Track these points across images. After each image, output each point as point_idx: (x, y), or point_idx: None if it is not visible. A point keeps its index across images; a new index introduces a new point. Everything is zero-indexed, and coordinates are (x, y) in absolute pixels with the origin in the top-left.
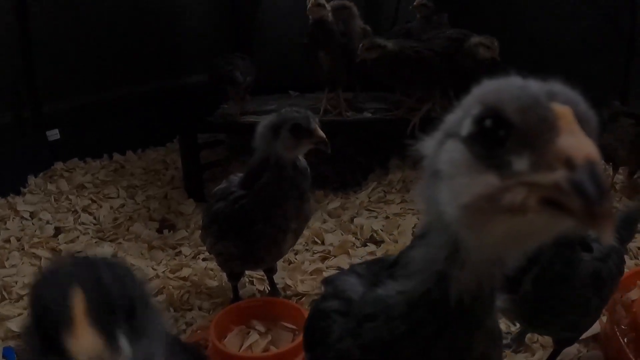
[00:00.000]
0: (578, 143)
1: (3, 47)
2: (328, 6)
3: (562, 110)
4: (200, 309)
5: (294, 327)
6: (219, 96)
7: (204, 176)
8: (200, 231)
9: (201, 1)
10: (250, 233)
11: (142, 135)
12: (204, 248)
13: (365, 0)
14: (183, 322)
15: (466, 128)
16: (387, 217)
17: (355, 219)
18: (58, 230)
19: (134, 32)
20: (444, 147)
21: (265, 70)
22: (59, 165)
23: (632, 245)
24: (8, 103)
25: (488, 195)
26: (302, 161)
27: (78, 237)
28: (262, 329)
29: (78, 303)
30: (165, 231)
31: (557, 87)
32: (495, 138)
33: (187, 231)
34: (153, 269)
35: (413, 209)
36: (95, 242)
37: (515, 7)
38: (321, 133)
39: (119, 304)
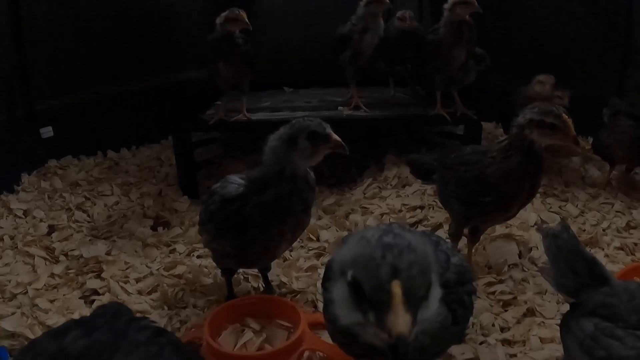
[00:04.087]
0: (396, 322)
1: None
2: (243, 19)
3: (396, 291)
4: (194, 306)
5: (288, 324)
6: (213, 92)
7: (199, 173)
8: (194, 228)
9: None
10: (244, 236)
11: (136, 132)
12: (199, 245)
13: None
14: (177, 320)
15: (348, 277)
16: (382, 214)
17: (350, 216)
18: (52, 228)
19: (127, 29)
20: (340, 280)
21: (259, 66)
22: (52, 162)
23: (628, 241)
24: (1, 101)
25: (356, 324)
26: (311, 173)
27: (72, 235)
28: (256, 326)
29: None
30: (160, 228)
31: (402, 261)
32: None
33: (181, 228)
34: (147, 266)
35: (408, 205)
36: (89, 240)
37: (513, 5)
38: (336, 137)
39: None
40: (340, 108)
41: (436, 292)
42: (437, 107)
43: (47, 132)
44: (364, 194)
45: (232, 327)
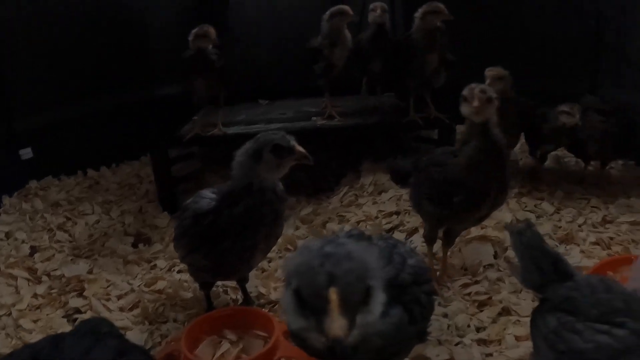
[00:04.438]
0: (332, 326)
1: None
2: (213, 34)
3: (332, 297)
4: (175, 320)
5: (265, 334)
6: (190, 108)
7: (178, 189)
8: (170, 245)
9: (169, 15)
10: (218, 249)
11: (115, 150)
12: (179, 260)
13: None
14: (158, 335)
15: (292, 286)
16: (358, 221)
17: (327, 224)
18: (34, 249)
19: (103, 47)
20: (287, 288)
21: (234, 80)
22: (33, 184)
23: (604, 235)
24: None
25: (302, 329)
26: (280, 185)
27: (54, 255)
28: (233, 337)
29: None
30: (141, 245)
31: (339, 269)
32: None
33: (161, 244)
34: (128, 283)
35: (384, 211)
36: (71, 260)
37: (483, 6)
38: (301, 148)
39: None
40: (314, 118)
41: (379, 296)
42: (410, 113)
43: (26, 153)
44: (341, 202)
45: (209, 338)
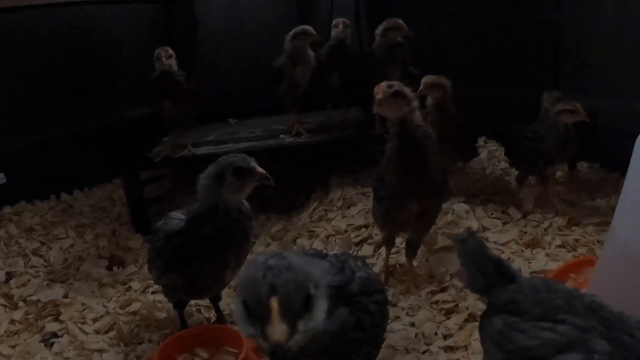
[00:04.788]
0: (273, 332)
1: None
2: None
3: (273, 305)
4: (150, 341)
5: (235, 351)
6: (160, 129)
7: (150, 210)
8: (144, 266)
9: (138, 38)
10: (191, 268)
11: (87, 173)
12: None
13: (300, 14)
14: (134, 356)
15: (241, 297)
16: (328, 236)
17: (297, 240)
18: (9, 275)
19: (71, 71)
20: (238, 300)
21: (203, 100)
22: (7, 209)
23: (569, 238)
24: None
25: (251, 336)
26: (246, 204)
27: (29, 280)
28: (205, 355)
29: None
30: (115, 267)
31: (280, 279)
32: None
33: (136, 266)
34: (104, 306)
35: (353, 225)
36: (47, 284)
37: (442, 11)
38: (261, 170)
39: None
40: (282, 136)
41: (322, 304)
42: (376, 127)
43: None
44: (311, 217)
45: (182, 357)
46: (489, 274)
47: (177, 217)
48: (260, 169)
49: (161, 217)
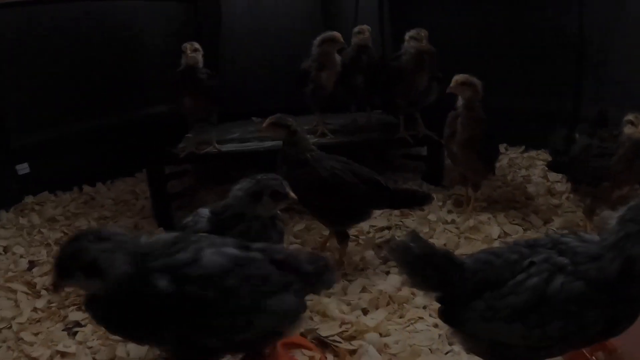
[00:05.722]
0: None
1: None
2: (201, 51)
3: None
4: None
5: None
6: (184, 125)
7: (173, 205)
8: None
9: (162, 32)
10: None
11: (110, 166)
12: None
13: (324, 13)
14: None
15: None
16: (350, 236)
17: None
18: (32, 264)
19: (99, 65)
20: None
21: (227, 98)
22: (29, 199)
23: None
24: None
25: None
26: (279, 214)
27: (52, 269)
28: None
29: None
30: None
31: None
32: None
33: None
34: None
35: (375, 226)
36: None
37: (467, 22)
38: (293, 195)
39: None
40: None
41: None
42: (400, 130)
43: (23, 168)
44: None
45: None
46: (441, 268)
47: (207, 216)
48: (292, 195)
49: (183, 212)
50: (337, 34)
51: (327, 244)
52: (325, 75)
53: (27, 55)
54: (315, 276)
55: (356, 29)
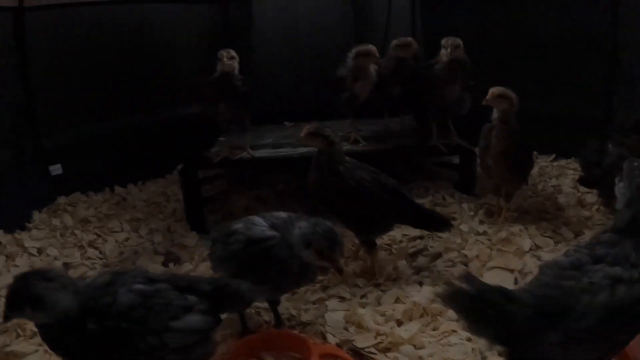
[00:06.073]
0: None
1: (4, 85)
2: (237, 59)
3: None
4: None
5: (299, 356)
6: (215, 127)
7: (205, 209)
8: (205, 264)
9: (194, 35)
10: (265, 276)
11: (141, 167)
12: None
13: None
14: None
15: None
16: (383, 244)
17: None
18: (66, 266)
19: (131, 66)
20: None
21: (259, 101)
22: (62, 199)
23: None
24: (10, 140)
25: None
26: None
27: (86, 272)
28: (270, 359)
29: None
30: (171, 265)
31: None
32: None
33: (191, 264)
34: None
35: (408, 235)
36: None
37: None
38: (340, 263)
39: None
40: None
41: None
42: (432, 139)
43: (56, 169)
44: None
45: None
46: (500, 305)
47: (260, 224)
48: (339, 263)
49: (215, 216)
50: (372, 48)
51: (360, 253)
52: (360, 85)
53: (59, 57)
54: (216, 294)
55: (399, 41)
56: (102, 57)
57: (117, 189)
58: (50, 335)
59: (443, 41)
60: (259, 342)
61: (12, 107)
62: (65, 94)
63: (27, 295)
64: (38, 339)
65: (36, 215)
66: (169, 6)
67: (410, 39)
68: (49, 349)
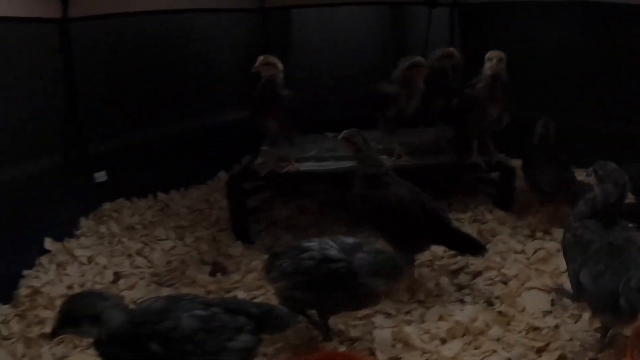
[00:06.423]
0: None
1: (50, 93)
2: (280, 65)
3: None
4: (264, 355)
5: None
6: (255, 134)
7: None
8: (252, 275)
9: (235, 43)
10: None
11: (183, 174)
12: (259, 292)
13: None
14: None
15: None
16: (424, 261)
17: None
18: (117, 276)
19: (173, 74)
20: None
21: (302, 117)
22: (107, 205)
23: None
24: (57, 147)
25: None
26: None
27: (136, 282)
28: None
29: None
30: (218, 275)
31: None
32: None
33: (238, 274)
34: None
35: (449, 252)
36: (154, 289)
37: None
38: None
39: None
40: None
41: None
42: (473, 155)
43: (101, 176)
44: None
45: None
46: None
47: (333, 246)
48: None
49: (258, 226)
50: (422, 59)
51: None
52: (410, 98)
53: (104, 66)
54: (262, 317)
55: (444, 52)
56: (144, 66)
57: (160, 195)
58: (107, 351)
59: (488, 54)
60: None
61: (59, 116)
62: (109, 102)
63: (86, 311)
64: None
65: (83, 222)
66: (210, 15)
67: (453, 49)
68: None
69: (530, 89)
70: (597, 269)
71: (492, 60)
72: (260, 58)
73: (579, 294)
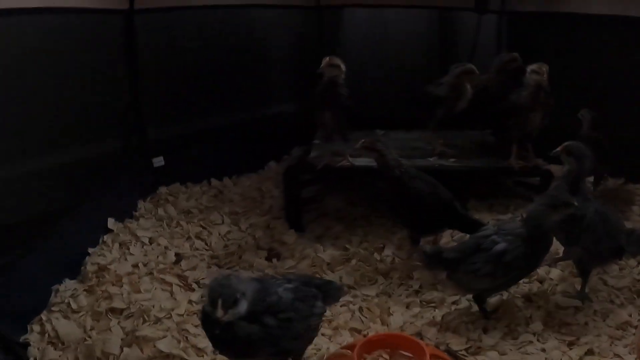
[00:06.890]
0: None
1: (115, 82)
2: (343, 67)
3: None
4: (323, 335)
5: (410, 355)
6: (307, 126)
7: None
8: (305, 261)
9: (290, 38)
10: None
11: (236, 162)
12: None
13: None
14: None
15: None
16: None
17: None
18: (179, 257)
19: (229, 65)
20: None
21: (355, 114)
22: (163, 189)
23: None
24: (118, 133)
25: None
26: None
27: (197, 264)
28: (386, 357)
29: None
30: (274, 260)
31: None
32: None
33: (293, 260)
34: None
35: None
36: (215, 270)
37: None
38: None
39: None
40: (431, 159)
41: (243, 304)
42: (511, 160)
43: (158, 161)
44: (452, 236)
45: (370, 357)
46: None
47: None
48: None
49: (310, 216)
50: (473, 67)
51: None
52: (460, 102)
53: (166, 57)
54: (324, 288)
55: (508, 57)
56: (204, 58)
57: (214, 181)
58: (238, 329)
59: (534, 66)
60: (378, 341)
61: (122, 103)
62: (168, 91)
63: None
64: (162, 325)
65: (141, 205)
66: (267, 11)
67: (516, 54)
68: (209, 340)
69: (575, 100)
70: None
71: (541, 73)
72: (326, 59)
73: None
